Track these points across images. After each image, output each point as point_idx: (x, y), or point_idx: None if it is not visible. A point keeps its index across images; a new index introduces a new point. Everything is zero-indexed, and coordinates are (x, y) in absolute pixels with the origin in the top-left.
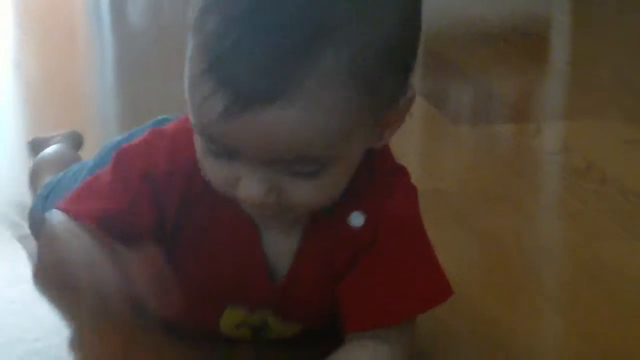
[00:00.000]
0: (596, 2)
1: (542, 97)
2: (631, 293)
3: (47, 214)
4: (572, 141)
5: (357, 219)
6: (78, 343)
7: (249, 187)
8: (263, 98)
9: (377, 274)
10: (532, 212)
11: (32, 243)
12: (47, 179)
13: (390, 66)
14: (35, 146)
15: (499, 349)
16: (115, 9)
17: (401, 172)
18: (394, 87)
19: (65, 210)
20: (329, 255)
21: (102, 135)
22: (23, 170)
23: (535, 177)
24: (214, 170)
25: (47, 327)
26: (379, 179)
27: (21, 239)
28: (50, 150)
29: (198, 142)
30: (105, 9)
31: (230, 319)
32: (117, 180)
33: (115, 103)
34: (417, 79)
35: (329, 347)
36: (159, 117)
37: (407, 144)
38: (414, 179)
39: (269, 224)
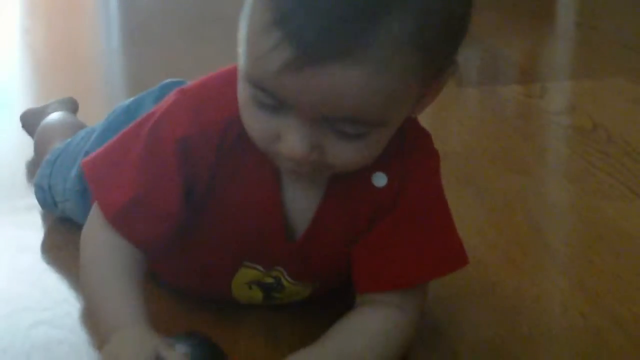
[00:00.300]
0: None
1: (548, 58)
2: (635, 252)
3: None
4: (578, 101)
5: (380, 179)
6: (86, 312)
7: (293, 143)
8: (331, 54)
9: (394, 237)
10: (538, 173)
11: (39, 212)
12: (54, 144)
13: (449, 38)
14: (28, 118)
15: (506, 310)
16: None
17: (426, 137)
18: (446, 59)
19: (99, 202)
20: (349, 215)
21: (107, 99)
22: (22, 137)
23: (541, 138)
24: (256, 122)
25: (55, 296)
26: (403, 141)
27: (28, 209)
28: (52, 117)
29: (243, 92)
30: None
31: (244, 277)
32: (148, 156)
33: (120, 67)
34: None
35: (338, 312)
36: (167, 81)
37: None
38: None
39: (292, 180)
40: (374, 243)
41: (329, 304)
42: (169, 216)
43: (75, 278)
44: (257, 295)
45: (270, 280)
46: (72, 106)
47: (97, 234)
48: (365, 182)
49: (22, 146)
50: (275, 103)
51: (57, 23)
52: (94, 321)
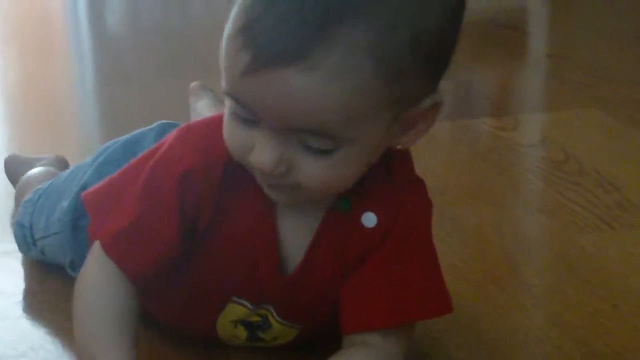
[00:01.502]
0: None
1: (520, 90)
2: (610, 284)
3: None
4: (551, 133)
5: (369, 220)
6: (62, 357)
7: (261, 153)
8: (283, 58)
9: (382, 276)
10: (512, 206)
11: (15, 258)
12: (35, 188)
13: (416, 61)
14: (13, 163)
15: (481, 345)
16: (93, 14)
17: (419, 183)
18: (418, 85)
19: (96, 231)
20: (340, 253)
21: (81, 139)
22: (4, 181)
23: (514, 170)
24: (233, 134)
25: (32, 342)
26: (397, 184)
27: (5, 253)
28: (37, 169)
29: (226, 109)
30: (83, 14)
31: (231, 314)
32: (149, 188)
33: (95, 108)
34: None
35: (324, 354)
36: (164, 122)
37: None
38: None
39: (286, 214)
40: (360, 283)
41: (316, 347)
42: (166, 245)
43: (51, 324)
44: (242, 334)
45: (257, 318)
46: (62, 165)
47: (92, 276)
48: (356, 221)
49: (5, 189)
50: (250, 116)
51: (29, 63)
52: None
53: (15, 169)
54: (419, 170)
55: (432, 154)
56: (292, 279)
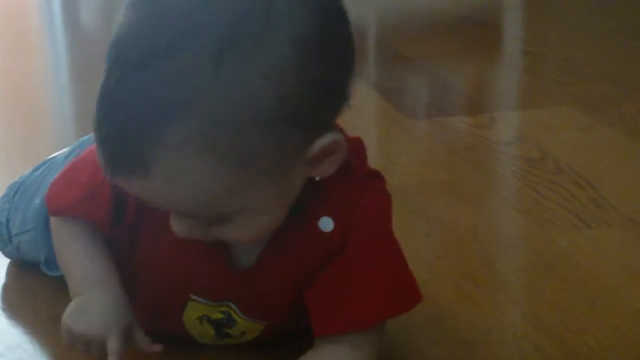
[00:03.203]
0: None
1: (495, 87)
2: (586, 282)
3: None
4: (526, 131)
5: (327, 224)
6: (40, 357)
7: (173, 225)
8: (123, 169)
9: (346, 279)
10: (488, 204)
11: None
12: None
13: (258, 129)
14: None
15: (458, 343)
16: (67, 11)
17: (376, 177)
18: (286, 147)
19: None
20: (298, 256)
21: (56, 135)
22: None
23: (490, 168)
24: None
25: (9, 341)
26: (353, 182)
27: None
28: None
29: None
30: (57, 11)
31: (193, 311)
32: (89, 174)
33: (70, 104)
34: (370, 72)
35: (296, 353)
36: None
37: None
38: None
39: None
40: (325, 286)
41: (290, 343)
42: (100, 226)
43: (28, 323)
44: (209, 331)
45: (219, 316)
46: None
47: (60, 224)
48: (311, 226)
49: None
50: None
51: (3, 59)
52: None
53: None
54: (395, 167)
55: (408, 152)
56: (247, 274)
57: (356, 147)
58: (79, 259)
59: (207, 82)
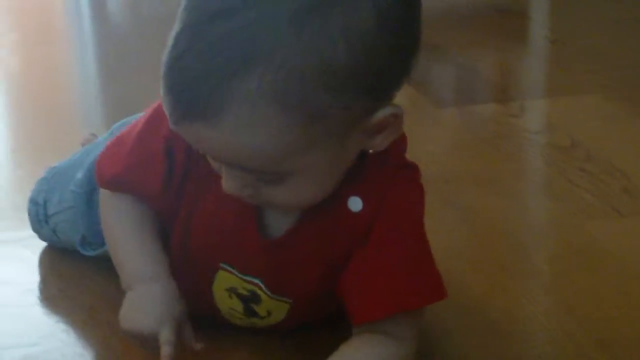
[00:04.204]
0: None
1: (524, 76)
2: (619, 271)
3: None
4: (556, 119)
5: (355, 204)
6: (75, 347)
7: (225, 181)
8: (192, 114)
9: (372, 269)
10: (519, 193)
11: (28, 245)
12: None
13: (334, 96)
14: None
15: (493, 333)
16: (94, 3)
17: (411, 168)
18: (351, 111)
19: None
20: (326, 234)
21: (85, 127)
22: (13, 168)
23: (520, 157)
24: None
25: (43, 331)
26: (387, 170)
27: (16, 242)
28: None
29: None
30: (84, 4)
31: (223, 281)
32: (138, 147)
33: (98, 95)
34: None
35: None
36: None
37: None
38: None
39: None
40: (356, 275)
41: (325, 335)
42: (153, 196)
43: (63, 312)
44: (238, 306)
45: (246, 292)
46: None
47: (109, 199)
48: (341, 205)
49: (5, 178)
50: None
51: (32, 50)
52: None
53: None
54: (424, 157)
55: (436, 141)
56: (275, 244)
57: (398, 138)
58: (129, 248)
59: (286, 35)
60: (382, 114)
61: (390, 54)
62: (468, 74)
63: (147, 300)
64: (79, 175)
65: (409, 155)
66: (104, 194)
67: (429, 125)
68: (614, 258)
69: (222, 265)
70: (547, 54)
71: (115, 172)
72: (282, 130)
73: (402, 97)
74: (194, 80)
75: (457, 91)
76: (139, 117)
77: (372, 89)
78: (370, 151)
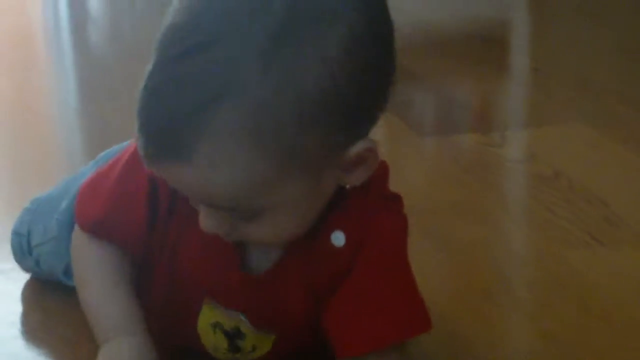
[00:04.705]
0: (555, 3)
1: (505, 104)
2: (600, 300)
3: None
4: (538, 148)
5: (338, 239)
6: None
7: (202, 219)
8: (164, 153)
9: (360, 299)
10: (501, 222)
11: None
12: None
13: (302, 125)
14: None
15: None
16: (75, 30)
17: (394, 199)
18: (327, 145)
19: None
20: (309, 269)
21: (66, 157)
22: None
23: (502, 186)
24: None
25: None
26: (370, 201)
27: None
28: None
29: None
30: (65, 30)
31: (208, 316)
32: (121, 186)
33: (80, 123)
34: None
35: None
36: None
37: None
38: None
39: None
40: (340, 307)
41: None
42: (135, 239)
43: (44, 344)
44: (222, 342)
45: (230, 328)
46: None
47: (85, 247)
48: (324, 240)
49: None
50: None
51: (10, 79)
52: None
53: None
54: (405, 186)
55: (418, 170)
56: (259, 280)
57: (379, 168)
58: (103, 299)
59: (256, 70)
60: (357, 148)
61: (363, 87)
62: (449, 103)
63: (124, 354)
64: (63, 204)
65: (391, 185)
66: (78, 239)
67: (411, 154)
68: (595, 287)
69: (207, 300)
70: (529, 82)
71: (96, 215)
72: (254, 167)
73: (384, 126)
74: (165, 119)
75: (438, 120)
76: (123, 148)
77: (345, 123)
78: (347, 186)
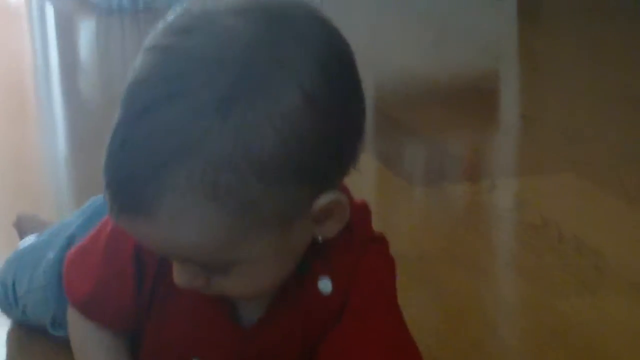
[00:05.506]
0: (543, 52)
1: (495, 153)
2: (590, 349)
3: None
4: (527, 197)
5: (325, 285)
6: None
7: (176, 274)
8: (128, 209)
9: (347, 345)
10: (491, 271)
11: None
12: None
13: (261, 179)
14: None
15: None
16: (66, 80)
17: (379, 241)
18: (290, 200)
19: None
20: (299, 318)
21: (56, 207)
22: None
23: (491, 235)
24: None
25: None
26: (354, 245)
27: None
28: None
29: None
30: (55, 80)
31: None
32: (107, 260)
33: (70, 173)
34: (368, 140)
35: None
36: None
37: None
38: None
39: None
40: (327, 353)
41: None
42: (126, 312)
43: None
44: None
45: None
46: None
47: (78, 323)
48: (311, 287)
49: None
50: None
51: (2, 130)
52: None
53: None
54: (396, 234)
55: (408, 218)
56: (250, 332)
57: (361, 211)
58: None
59: (213, 128)
60: (323, 200)
61: (324, 141)
62: (439, 152)
63: None
64: (51, 255)
65: (379, 232)
66: (73, 315)
67: (401, 202)
68: (584, 336)
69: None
70: (519, 131)
71: (85, 294)
72: (216, 221)
73: (373, 174)
74: (128, 175)
75: (428, 169)
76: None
77: (308, 175)
78: (320, 238)
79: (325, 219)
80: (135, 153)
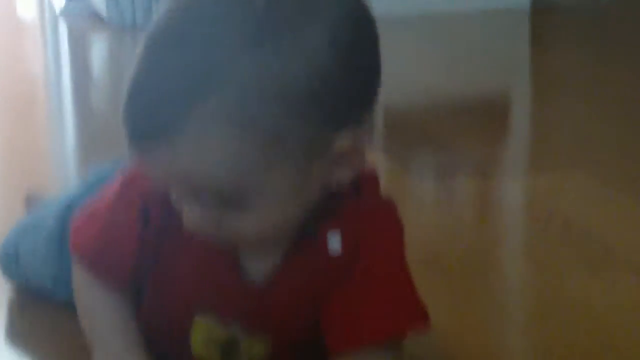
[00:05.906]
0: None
1: (505, 154)
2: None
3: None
4: (537, 197)
5: (335, 243)
6: None
7: (186, 217)
8: (152, 134)
9: (357, 298)
10: (499, 258)
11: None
12: None
13: (287, 112)
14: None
15: None
16: (77, 91)
17: (388, 204)
18: (314, 136)
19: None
20: (309, 276)
21: None
22: None
23: (501, 228)
24: (170, 192)
25: None
26: (364, 209)
27: None
28: None
29: None
30: (67, 91)
31: (201, 331)
32: (114, 209)
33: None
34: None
35: None
36: None
37: None
38: None
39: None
40: (337, 306)
41: None
42: (129, 263)
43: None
44: (216, 357)
45: (224, 341)
46: None
47: (84, 288)
48: (321, 248)
49: None
50: None
51: (9, 141)
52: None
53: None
54: (407, 231)
55: (418, 217)
56: (259, 289)
57: (369, 177)
58: (108, 332)
59: (246, 57)
60: (344, 141)
61: (347, 76)
62: (447, 151)
63: None
64: (51, 221)
65: None
66: (78, 275)
67: (411, 201)
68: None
69: (199, 315)
70: (530, 138)
71: (91, 237)
72: (237, 150)
73: (384, 176)
74: (155, 101)
75: (438, 168)
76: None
77: (329, 115)
78: (337, 186)
79: (343, 163)
80: (165, 77)
